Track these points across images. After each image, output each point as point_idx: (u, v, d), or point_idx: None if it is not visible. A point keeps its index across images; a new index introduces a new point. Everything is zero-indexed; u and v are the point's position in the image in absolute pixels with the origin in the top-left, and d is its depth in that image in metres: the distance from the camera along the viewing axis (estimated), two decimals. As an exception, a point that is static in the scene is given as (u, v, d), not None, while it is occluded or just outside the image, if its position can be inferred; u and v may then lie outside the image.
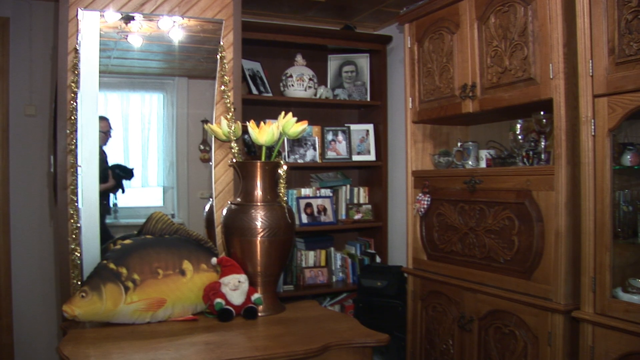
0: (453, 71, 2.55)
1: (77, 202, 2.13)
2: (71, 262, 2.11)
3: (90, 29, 2.19)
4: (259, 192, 2.13)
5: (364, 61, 3.72)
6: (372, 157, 3.67)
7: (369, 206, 3.70)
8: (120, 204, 2.64)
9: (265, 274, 2.12)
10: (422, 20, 2.75)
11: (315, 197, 3.52)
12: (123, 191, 2.62)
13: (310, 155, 3.47)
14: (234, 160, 2.28)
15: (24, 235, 3.11)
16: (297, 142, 3.44)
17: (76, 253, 2.10)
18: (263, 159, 2.17)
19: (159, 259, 2.02)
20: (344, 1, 3.33)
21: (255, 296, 2.08)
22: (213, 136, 2.38)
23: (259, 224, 2.07)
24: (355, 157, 3.63)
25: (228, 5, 2.43)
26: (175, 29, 2.36)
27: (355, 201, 3.72)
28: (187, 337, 1.81)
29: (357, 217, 3.63)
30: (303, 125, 2.17)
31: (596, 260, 1.90)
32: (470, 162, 2.61)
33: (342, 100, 3.61)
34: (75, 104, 2.15)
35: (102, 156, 2.51)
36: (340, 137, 3.61)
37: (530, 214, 2.16)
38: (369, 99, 3.70)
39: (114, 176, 2.58)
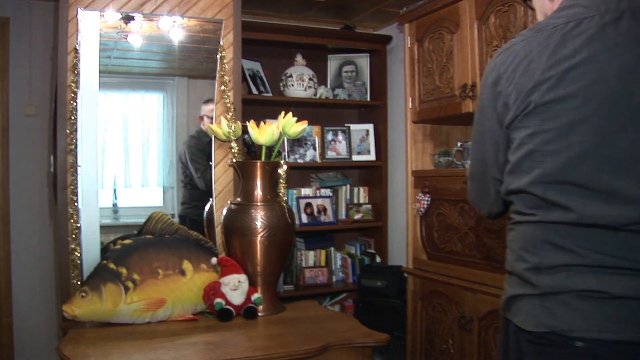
0: (453, 71, 2.55)
1: (77, 202, 2.13)
2: (71, 262, 2.11)
3: (90, 29, 2.19)
4: (259, 192, 2.13)
5: (364, 61, 3.72)
6: (372, 157, 3.67)
7: (369, 206, 3.70)
8: (120, 204, 2.65)
9: (265, 273, 2.12)
10: (422, 20, 2.75)
11: (315, 197, 3.52)
12: None
13: (310, 155, 3.47)
14: (234, 160, 2.28)
15: (24, 235, 3.11)
16: (297, 142, 3.44)
17: (76, 253, 2.10)
18: (263, 159, 2.17)
19: (159, 259, 2.02)
20: (344, 1, 3.33)
21: (255, 296, 2.08)
22: (213, 136, 2.38)
23: (259, 224, 2.07)
24: (355, 157, 3.63)
25: (228, 5, 2.42)
26: (175, 29, 2.36)
27: (355, 201, 3.73)
28: (187, 337, 1.81)
29: (357, 217, 3.63)
30: (303, 125, 2.17)
31: (596, 260, 1.90)
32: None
33: (342, 100, 3.61)
34: (75, 104, 2.15)
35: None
36: (340, 137, 3.60)
37: (530, 214, 2.15)
38: (369, 99, 3.70)
39: None
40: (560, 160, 1.01)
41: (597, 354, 0.96)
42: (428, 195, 2.66)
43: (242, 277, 2.05)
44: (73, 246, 2.11)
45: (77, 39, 2.17)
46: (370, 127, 3.71)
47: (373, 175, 3.76)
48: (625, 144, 0.98)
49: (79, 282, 2.07)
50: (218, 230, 2.36)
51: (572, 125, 1.00)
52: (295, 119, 2.16)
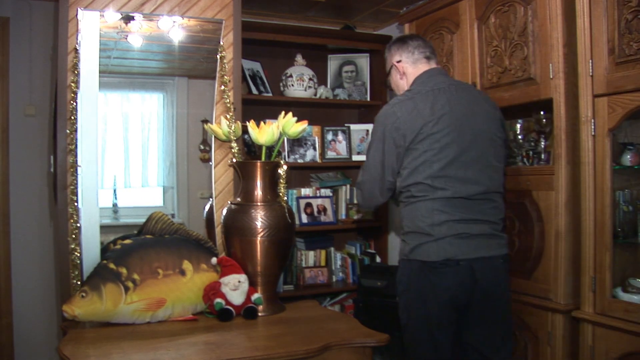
0: (453, 71, 2.55)
1: (77, 202, 2.13)
2: (71, 262, 2.11)
3: (90, 29, 2.19)
4: (259, 192, 2.13)
5: (364, 61, 3.72)
6: (372, 157, 3.66)
7: (369, 206, 3.70)
8: (120, 204, 2.65)
9: (265, 274, 2.12)
10: (422, 20, 2.75)
11: (315, 197, 3.52)
12: None
13: (310, 155, 3.47)
14: (234, 160, 2.28)
15: (24, 235, 3.10)
16: (297, 142, 3.44)
17: (76, 253, 2.10)
18: (263, 159, 2.17)
19: (159, 259, 2.02)
20: (344, 1, 3.33)
21: (255, 296, 2.08)
22: (213, 136, 2.38)
23: (259, 224, 2.07)
24: (355, 157, 3.63)
25: (228, 5, 2.42)
26: (175, 29, 2.36)
27: (355, 201, 3.72)
28: (187, 337, 1.81)
29: (357, 217, 3.63)
30: (303, 125, 2.17)
31: (596, 260, 1.90)
32: (470, 162, 2.61)
33: (342, 100, 3.61)
34: (75, 104, 2.15)
35: None
36: (340, 137, 3.60)
37: (530, 214, 2.16)
38: (369, 99, 3.69)
39: None
40: (441, 164, 1.80)
41: (470, 266, 1.78)
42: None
43: (242, 277, 2.05)
44: (73, 246, 2.11)
45: (77, 39, 2.17)
46: (370, 127, 3.69)
47: (373, 175, 3.75)
48: (471, 154, 1.83)
49: (79, 282, 2.07)
50: (218, 230, 2.36)
51: (446, 146, 1.81)
52: (295, 119, 2.16)
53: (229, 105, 2.36)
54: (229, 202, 2.22)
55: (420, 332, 1.86)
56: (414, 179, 1.83)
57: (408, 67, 2.01)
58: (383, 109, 1.93)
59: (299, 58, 3.49)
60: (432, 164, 1.81)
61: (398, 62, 2.02)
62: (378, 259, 3.62)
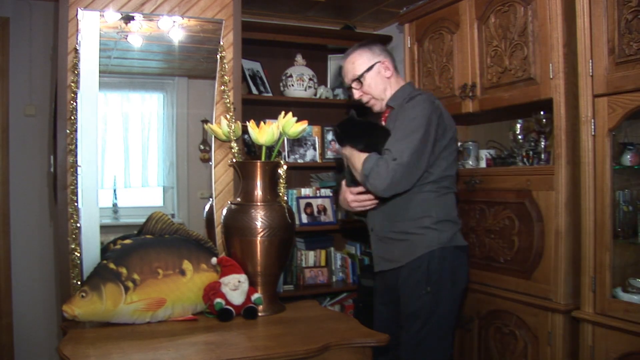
0: (453, 71, 2.55)
1: (77, 202, 2.13)
2: (71, 262, 2.11)
3: (90, 29, 2.19)
4: (259, 192, 2.13)
5: (364, 61, 3.72)
6: (372, 157, 3.66)
7: (369, 206, 3.69)
8: (120, 204, 2.65)
9: (265, 273, 2.12)
10: (422, 20, 2.75)
11: (315, 197, 3.52)
12: None
13: (310, 155, 3.47)
14: (234, 160, 2.28)
15: (24, 235, 3.11)
16: (297, 142, 3.44)
17: (76, 253, 2.10)
18: (263, 158, 2.17)
19: (159, 258, 2.02)
20: (343, 1, 3.33)
21: (255, 296, 2.08)
22: (213, 136, 2.38)
23: (259, 224, 2.07)
24: (355, 157, 3.63)
25: (228, 5, 2.42)
26: (175, 28, 2.36)
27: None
28: (187, 337, 1.81)
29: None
30: (303, 125, 2.17)
31: (596, 260, 1.90)
32: (470, 162, 2.61)
33: (342, 100, 3.61)
34: (75, 104, 2.15)
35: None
36: (340, 137, 3.60)
37: (530, 214, 2.16)
38: (369, 99, 3.69)
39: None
40: (456, 163, 2.05)
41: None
42: (428, 195, 2.67)
43: (242, 277, 2.05)
44: (73, 246, 2.11)
45: (77, 39, 2.17)
46: (370, 127, 3.69)
47: (373, 175, 3.74)
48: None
49: (79, 282, 2.07)
50: (218, 230, 2.36)
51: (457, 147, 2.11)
52: (295, 119, 2.16)
53: (229, 105, 2.36)
54: (229, 202, 2.22)
55: (447, 320, 1.94)
56: (450, 171, 1.98)
57: (393, 72, 2.06)
58: (423, 99, 1.91)
59: (299, 58, 3.49)
60: (456, 162, 2.04)
61: (389, 61, 2.06)
62: (378, 259, 3.62)
